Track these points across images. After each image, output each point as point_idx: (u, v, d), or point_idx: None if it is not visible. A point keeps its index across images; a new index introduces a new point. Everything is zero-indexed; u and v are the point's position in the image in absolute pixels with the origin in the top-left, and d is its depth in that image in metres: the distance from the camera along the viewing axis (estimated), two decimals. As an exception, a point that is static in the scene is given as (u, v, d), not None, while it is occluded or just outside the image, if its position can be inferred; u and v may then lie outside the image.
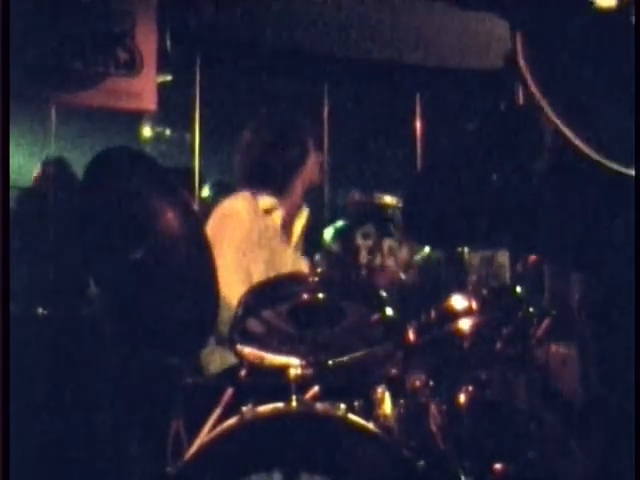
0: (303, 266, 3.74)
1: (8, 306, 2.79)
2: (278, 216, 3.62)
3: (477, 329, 3.11)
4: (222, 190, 5.58)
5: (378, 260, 3.72)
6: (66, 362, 4.81)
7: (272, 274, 3.46)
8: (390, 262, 3.75)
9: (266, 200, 3.60)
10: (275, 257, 3.57)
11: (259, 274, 3.44)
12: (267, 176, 3.61)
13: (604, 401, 3.42)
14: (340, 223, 4.55)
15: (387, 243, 3.85)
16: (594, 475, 3.02)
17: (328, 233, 4.37)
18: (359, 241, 3.90)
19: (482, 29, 6.59)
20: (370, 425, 2.63)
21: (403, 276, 3.74)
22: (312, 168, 3.68)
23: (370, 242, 3.84)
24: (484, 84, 6.50)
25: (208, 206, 4.36)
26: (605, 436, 3.22)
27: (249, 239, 3.48)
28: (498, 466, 2.87)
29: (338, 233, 4.21)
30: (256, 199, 3.60)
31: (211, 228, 3.45)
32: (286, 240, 3.67)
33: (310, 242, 3.93)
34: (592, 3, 2.84)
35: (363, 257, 3.80)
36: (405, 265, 3.79)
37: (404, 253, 3.82)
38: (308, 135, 3.68)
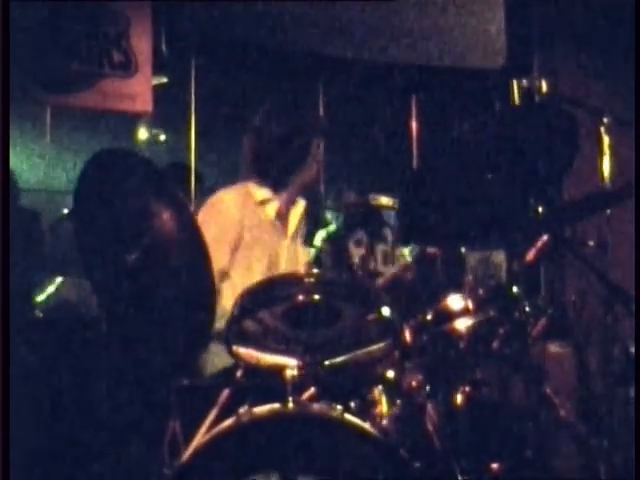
0: (300, 257, 3.75)
1: (8, 307, 2.79)
2: (273, 208, 3.63)
3: (473, 329, 3.11)
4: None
5: (371, 267, 3.72)
6: (62, 364, 4.80)
7: (268, 265, 3.49)
8: (383, 268, 3.75)
9: (261, 191, 3.62)
10: (270, 248, 3.59)
11: (255, 265, 3.47)
12: (267, 169, 3.62)
13: (602, 400, 3.43)
14: (332, 227, 4.55)
15: (380, 249, 3.85)
16: (593, 474, 3.02)
17: (320, 236, 4.37)
18: (352, 248, 3.90)
19: (478, 29, 6.61)
20: (367, 425, 2.63)
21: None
22: (313, 167, 3.68)
23: (362, 249, 3.84)
24: (479, 84, 6.52)
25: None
26: (604, 435, 3.23)
27: (234, 232, 3.49)
28: (495, 466, 2.87)
29: (330, 237, 4.22)
30: (250, 191, 3.61)
31: (199, 220, 3.47)
32: (282, 231, 3.68)
33: (306, 231, 3.94)
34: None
35: (356, 263, 3.80)
36: (399, 270, 3.79)
37: (398, 258, 3.82)
38: (313, 135, 3.68)
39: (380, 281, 3.67)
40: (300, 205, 3.76)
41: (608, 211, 3.68)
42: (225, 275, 3.43)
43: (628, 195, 3.22)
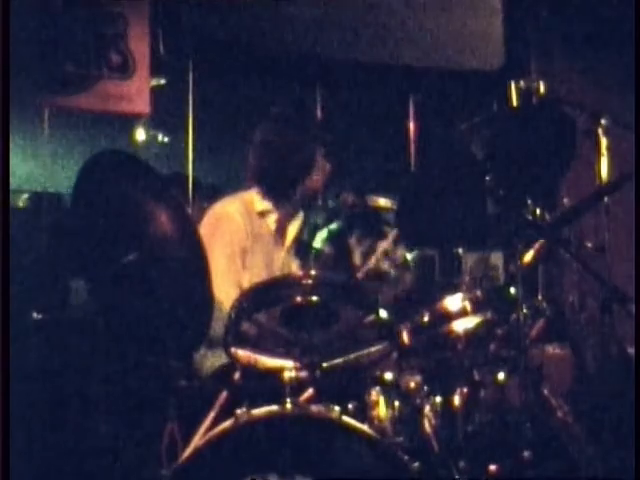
0: (295, 268, 3.74)
1: (8, 308, 2.79)
2: (273, 219, 3.63)
3: (471, 330, 3.11)
4: (215, 194, 5.57)
5: (372, 263, 3.72)
6: (60, 366, 4.80)
7: (265, 276, 3.47)
8: (384, 265, 3.75)
9: (262, 203, 3.61)
10: (268, 259, 3.58)
11: (252, 276, 3.45)
12: (272, 180, 3.61)
13: (600, 401, 3.43)
14: (333, 226, 4.54)
15: (381, 246, 3.85)
16: (591, 475, 3.02)
17: (321, 236, 4.35)
18: (353, 244, 3.89)
19: (476, 31, 6.60)
20: (364, 427, 2.64)
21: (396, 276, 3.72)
22: (316, 178, 3.67)
23: (364, 246, 3.83)
24: (478, 85, 6.51)
25: (202, 209, 4.35)
26: (602, 436, 3.23)
27: (242, 241, 3.48)
28: (493, 467, 2.87)
29: (331, 236, 4.20)
30: (252, 201, 3.60)
31: (204, 230, 3.46)
32: (280, 242, 3.68)
33: (302, 244, 3.93)
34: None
35: (357, 260, 3.80)
36: (400, 267, 3.79)
37: (399, 255, 3.82)
38: (318, 145, 3.66)
39: (378, 282, 3.67)
40: (299, 218, 3.75)
41: (606, 212, 3.68)
42: (233, 284, 3.40)
43: (623, 184, 3.23)
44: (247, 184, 3.68)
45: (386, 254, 3.82)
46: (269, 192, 3.62)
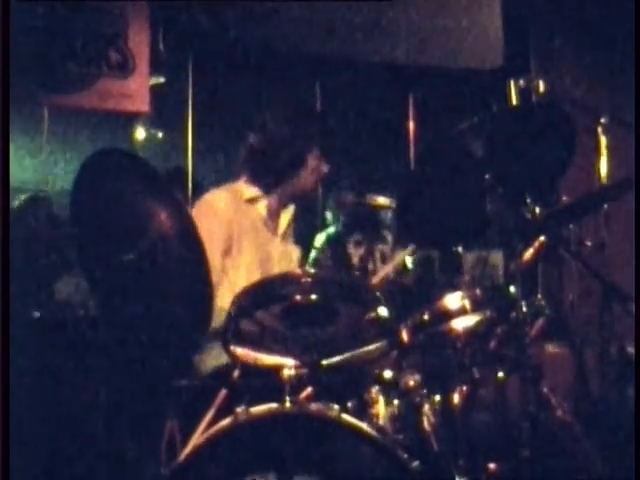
0: (292, 255, 3.75)
1: (8, 308, 2.79)
2: (263, 205, 3.63)
3: (471, 329, 3.11)
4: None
5: (370, 267, 3.72)
6: (59, 364, 4.80)
7: (259, 262, 3.49)
8: (382, 269, 3.75)
9: (249, 190, 3.62)
10: (262, 245, 3.59)
11: (244, 263, 3.47)
12: (261, 169, 3.62)
13: (600, 400, 3.43)
14: (331, 229, 4.54)
15: (379, 249, 3.85)
16: (590, 474, 3.02)
17: (319, 239, 4.36)
18: (351, 249, 3.89)
19: (475, 29, 6.60)
20: (364, 425, 2.63)
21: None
22: (306, 179, 3.66)
23: (362, 250, 3.83)
24: (477, 84, 6.51)
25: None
26: (602, 435, 3.23)
27: (226, 230, 3.49)
28: (492, 466, 2.87)
29: (329, 240, 4.21)
30: (240, 189, 3.62)
31: None
32: (273, 230, 3.68)
33: (301, 245, 3.93)
34: None
35: (355, 264, 3.80)
36: (398, 270, 3.79)
37: (396, 258, 3.82)
38: (311, 147, 3.65)
39: (376, 280, 3.67)
40: (290, 208, 3.75)
41: (606, 211, 3.68)
42: (220, 275, 3.41)
43: (625, 190, 3.22)
44: (237, 170, 3.69)
45: (384, 258, 3.82)
46: (256, 179, 3.63)
